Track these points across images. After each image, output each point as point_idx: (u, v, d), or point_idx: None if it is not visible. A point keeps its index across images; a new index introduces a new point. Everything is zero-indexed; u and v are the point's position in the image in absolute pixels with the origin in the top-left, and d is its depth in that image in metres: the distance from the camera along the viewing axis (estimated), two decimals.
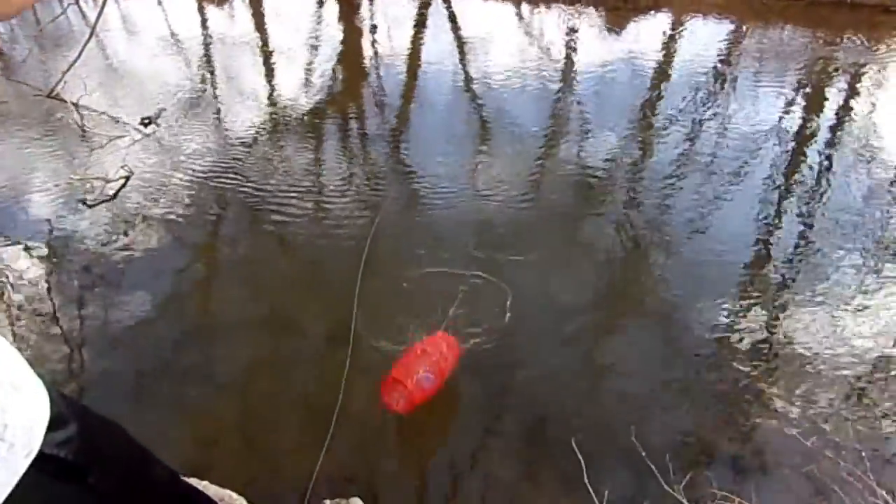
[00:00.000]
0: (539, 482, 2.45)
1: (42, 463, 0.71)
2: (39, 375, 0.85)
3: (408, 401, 2.57)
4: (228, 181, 4.61)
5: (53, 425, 0.72)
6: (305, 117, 5.55)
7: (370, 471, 2.55)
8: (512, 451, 2.61)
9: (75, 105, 5.37)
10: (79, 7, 7.91)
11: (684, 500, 1.82)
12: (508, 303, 3.33)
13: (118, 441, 0.83)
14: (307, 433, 2.74)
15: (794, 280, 3.73)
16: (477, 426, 2.72)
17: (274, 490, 2.52)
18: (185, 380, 3.12)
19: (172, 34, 7.56)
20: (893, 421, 2.73)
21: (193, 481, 1.92)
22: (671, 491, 1.87)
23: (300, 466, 2.56)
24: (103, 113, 5.44)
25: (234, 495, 1.94)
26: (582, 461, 1.99)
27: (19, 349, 3.03)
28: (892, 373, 3.10)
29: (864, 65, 6.27)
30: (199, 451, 2.81)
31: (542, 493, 2.41)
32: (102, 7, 5.95)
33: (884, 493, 1.81)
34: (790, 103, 5.69)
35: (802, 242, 4.07)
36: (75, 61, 5.58)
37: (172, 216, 4.21)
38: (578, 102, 5.71)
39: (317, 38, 7.35)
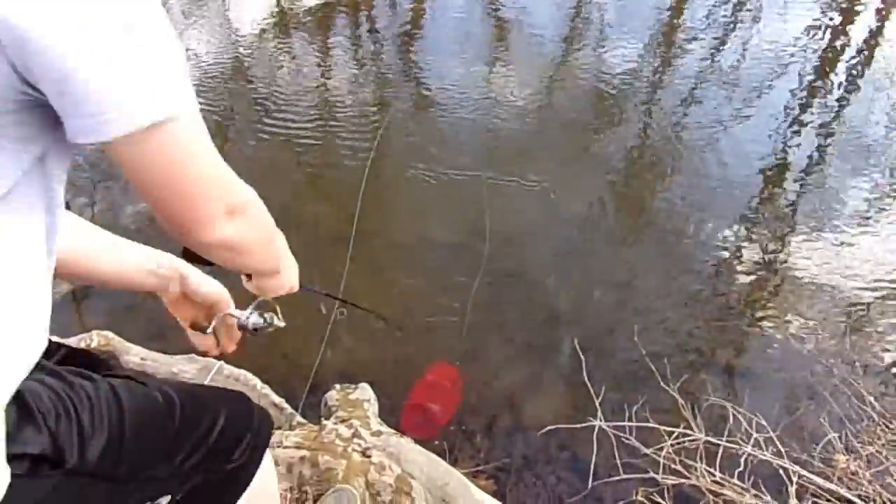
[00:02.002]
0: (540, 380, 2.55)
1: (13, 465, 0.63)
2: None
3: (429, 424, 2.50)
4: (235, 79, 4.50)
5: (14, 434, 0.65)
6: (314, 13, 5.33)
7: (376, 362, 2.65)
8: (515, 351, 2.70)
9: None
10: None
11: (679, 398, 1.91)
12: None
13: (102, 404, 0.74)
14: (314, 327, 2.81)
15: (805, 202, 3.71)
16: (481, 327, 2.80)
17: (286, 377, 2.63)
18: None
19: None
20: (890, 338, 2.80)
21: (209, 360, 2.00)
22: (668, 388, 1.96)
23: (310, 356, 2.66)
24: None
25: (250, 375, 2.02)
26: (583, 358, 2.06)
27: None
28: (889, 298, 3.15)
29: None
30: None
31: (542, 389, 2.51)
32: None
33: (872, 399, 1.89)
34: (819, 20, 5.44)
35: (818, 164, 4.02)
36: None
37: None
38: (599, 9, 5.47)
39: None
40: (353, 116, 4.14)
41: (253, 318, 1.07)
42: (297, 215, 3.47)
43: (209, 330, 1.07)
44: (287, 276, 1.02)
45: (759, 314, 2.90)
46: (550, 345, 2.68)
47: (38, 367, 0.71)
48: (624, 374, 2.43)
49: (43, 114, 0.60)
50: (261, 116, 4.20)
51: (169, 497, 0.82)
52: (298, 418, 1.93)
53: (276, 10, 5.41)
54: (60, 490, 0.67)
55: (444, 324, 2.81)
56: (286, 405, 1.97)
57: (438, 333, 2.80)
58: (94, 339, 2.07)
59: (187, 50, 4.78)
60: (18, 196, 0.63)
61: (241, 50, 4.84)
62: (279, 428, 1.90)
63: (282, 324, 1.12)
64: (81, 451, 0.69)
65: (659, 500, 1.81)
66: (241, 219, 0.73)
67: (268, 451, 1.05)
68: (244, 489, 0.97)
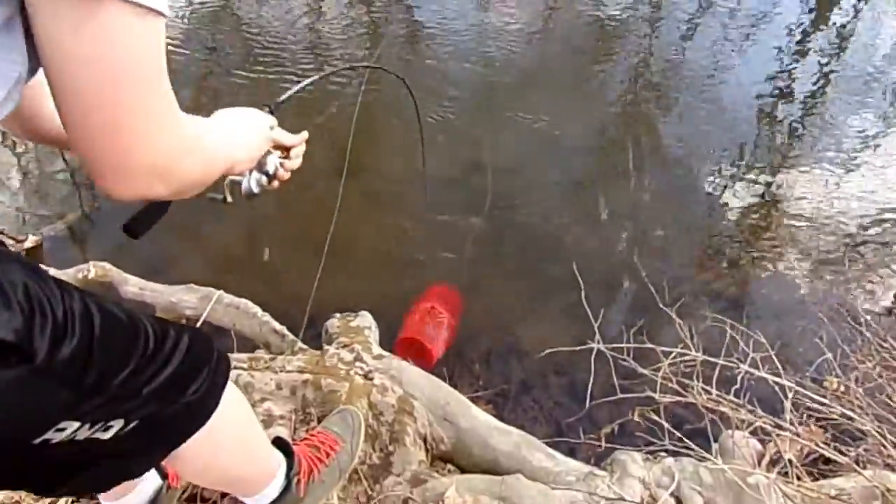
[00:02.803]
0: (538, 306, 2.57)
1: None
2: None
3: (425, 357, 2.39)
4: (221, 14, 4.35)
5: None
6: None
7: (374, 294, 2.65)
8: (513, 279, 2.71)
9: None
10: None
11: (677, 319, 1.93)
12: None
13: (79, 310, 0.71)
14: (313, 258, 2.81)
15: (804, 135, 3.68)
16: (480, 257, 2.79)
17: (285, 310, 2.63)
18: (190, 206, 3.15)
19: None
20: (886, 268, 2.82)
21: (209, 290, 2.00)
22: (666, 310, 1.97)
23: (307, 290, 2.66)
24: None
25: (250, 304, 2.03)
26: (581, 283, 2.07)
27: (25, 185, 2.98)
28: (887, 229, 3.17)
29: None
30: (209, 273, 2.90)
31: (540, 316, 2.53)
32: None
33: (867, 318, 1.91)
34: None
35: (817, 98, 3.97)
36: None
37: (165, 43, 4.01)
38: None
39: None
40: (344, 48, 4.03)
41: (253, 182, 1.01)
42: None
43: (229, 199, 1.02)
44: (251, 151, 0.94)
45: (758, 243, 2.91)
46: (549, 272, 2.69)
47: (22, 263, 0.69)
48: (623, 299, 2.46)
49: None
50: (249, 51, 4.07)
51: (122, 422, 0.79)
52: (300, 344, 1.95)
53: None
54: (21, 386, 0.64)
55: (442, 255, 2.81)
56: (287, 332, 1.98)
57: (436, 264, 2.80)
58: (92, 271, 2.06)
59: None
60: None
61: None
62: (281, 353, 1.91)
63: (287, 164, 1.05)
64: (52, 349, 0.66)
65: (655, 418, 1.85)
66: (176, 178, 0.65)
67: (233, 388, 1.02)
68: (198, 427, 0.94)
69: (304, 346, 1.93)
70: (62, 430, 0.71)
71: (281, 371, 1.80)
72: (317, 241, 2.93)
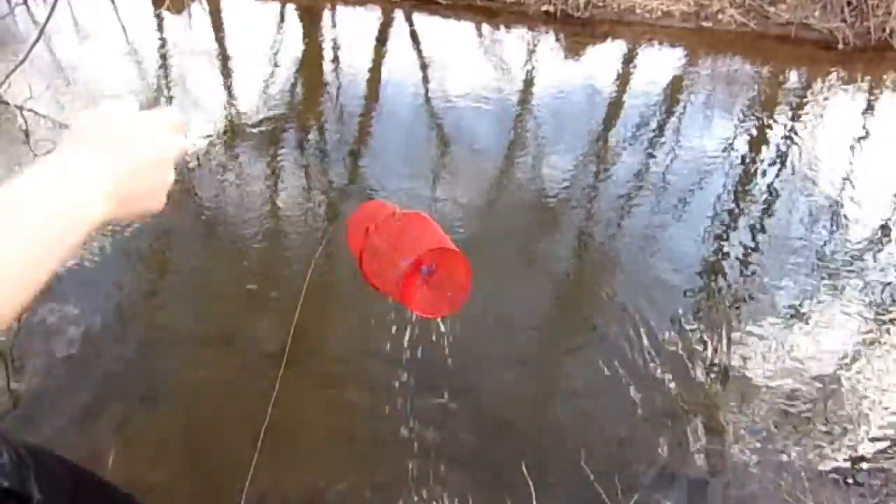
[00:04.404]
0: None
1: None
2: None
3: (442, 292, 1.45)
4: (180, 191, 4.50)
5: None
6: (263, 129, 5.47)
7: (313, 489, 2.49)
8: (459, 471, 2.59)
9: (20, 108, 5.16)
10: (27, 8, 7.64)
11: None
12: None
13: (52, 462, 0.83)
14: (251, 451, 2.66)
15: (739, 301, 3.84)
16: (422, 445, 2.70)
17: None
18: (126, 397, 3.01)
19: (126, 40, 7.37)
20: (829, 439, 2.83)
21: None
22: None
23: (244, 484, 2.49)
24: (50, 118, 5.24)
25: None
26: (531, 486, 1.98)
27: None
28: (830, 390, 3.23)
29: (805, 97, 6.57)
30: (141, 471, 2.71)
31: None
32: (52, 9, 5.75)
33: (810, 492, 1.87)
34: (738, 130, 5.91)
35: (748, 264, 4.21)
36: (21, 63, 5.36)
37: (119, 225, 4.08)
38: (536, 123, 5.80)
39: (277, 50, 7.28)
40: (299, 230, 4.16)
41: None
42: (233, 333, 3.37)
43: None
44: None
45: (706, 421, 2.91)
46: (496, 464, 2.60)
47: None
48: (575, 496, 2.35)
49: None
50: (204, 229, 4.17)
51: None
52: None
53: (224, 126, 5.52)
54: None
55: (391, 441, 2.70)
56: None
57: (385, 452, 2.68)
58: None
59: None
60: None
61: (187, 162, 4.88)
62: None
63: None
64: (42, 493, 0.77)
65: None
66: None
67: None
68: None
69: None
70: None
71: None
72: (259, 431, 2.81)
